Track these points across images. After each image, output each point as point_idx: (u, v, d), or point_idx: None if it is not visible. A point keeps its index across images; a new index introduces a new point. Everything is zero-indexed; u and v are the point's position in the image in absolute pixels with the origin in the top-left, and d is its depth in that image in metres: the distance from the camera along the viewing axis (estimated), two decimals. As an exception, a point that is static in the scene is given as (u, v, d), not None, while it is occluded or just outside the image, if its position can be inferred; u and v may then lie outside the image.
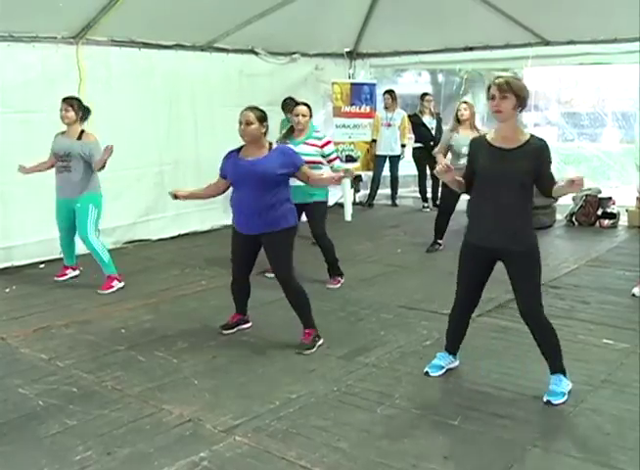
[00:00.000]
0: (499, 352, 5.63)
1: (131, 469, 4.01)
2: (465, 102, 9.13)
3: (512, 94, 4.52)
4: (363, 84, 13.27)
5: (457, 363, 5.35)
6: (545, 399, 4.72)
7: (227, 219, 10.83)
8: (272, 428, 4.45)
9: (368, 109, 12.94)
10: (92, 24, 8.83)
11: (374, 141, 12.72)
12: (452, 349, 5.31)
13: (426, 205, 12.79)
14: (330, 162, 7.68)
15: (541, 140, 4.71)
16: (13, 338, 6.21)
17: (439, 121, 12.65)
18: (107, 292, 7.57)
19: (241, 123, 5.69)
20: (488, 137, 4.78)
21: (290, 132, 7.71)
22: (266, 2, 10.15)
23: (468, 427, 4.44)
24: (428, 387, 5.06)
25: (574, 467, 3.97)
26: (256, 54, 11.45)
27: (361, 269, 8.29)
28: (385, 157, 12.82)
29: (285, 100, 10.33)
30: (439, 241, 9.46)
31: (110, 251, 7.88)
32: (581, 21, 10.20)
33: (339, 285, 7.73)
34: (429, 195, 12.87)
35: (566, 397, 4.73)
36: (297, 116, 7.61)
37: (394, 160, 12.85)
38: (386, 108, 12.67)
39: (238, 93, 10.99)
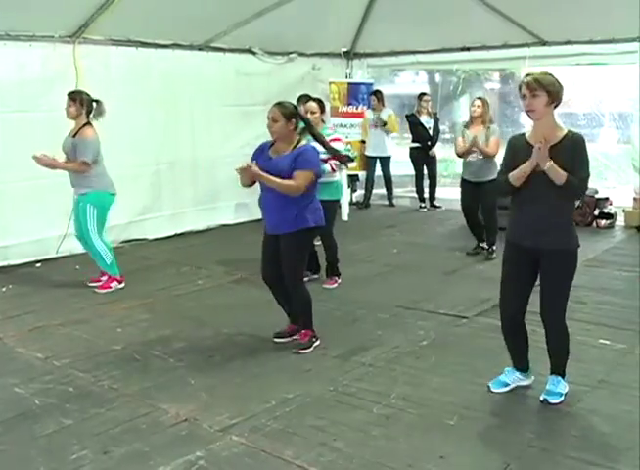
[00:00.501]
0: (496, 351, 5.61)
1: (127, 468, 4.00)
2: (479, 98, 9.01)
3: (543, 91, 4.41)
4: (360, 84, 13.24)
5: (528, 382, 5.02)
6: (542, 398, 4.71)
7: (224, 219, 10.96)
8: (268, 427, 4.44)
9: (365, 109, 12.93)
10: (89, 24, 8.83)
11: (363, 142, 12.65)
12: (519, 365, 5.02)
13: (423, 205, 12.78)
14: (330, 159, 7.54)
15: (577, 135, 4.56)
16: (9, 337, 6.20)
17: (437, 121, 12.64)
18: (103, 291, 7.55)
19: (268, 119, 5.59)
20: (527, 136, 4.66)
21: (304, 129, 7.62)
22: (263, 2, 10.16)
23: (464, 427, 4.44)
24: (424, 387, 5.05)
25: (571, 467, 3.97)
26: (254, 53, 11.44)
27: (358, 269, 8.28)
28: (375, 158, 12.78)
29: (300, 96, 10.25)
30: (481, 244, 9.16)
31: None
32: (579, 21, 10.20)
33: (335, 285, 7.74)
34: (426, 195, 12.86)
35: (563, 398, 4.72)
36: (307, 112, 7.55)
37: (385, 160, 12.79)
38: (373, 109, 12.59)
39: (235, 93, 11.01)
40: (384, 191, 13.38)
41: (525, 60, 11.58)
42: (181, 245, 9.96)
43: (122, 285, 7.71)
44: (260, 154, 5.70)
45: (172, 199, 10.36)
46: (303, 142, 5.69)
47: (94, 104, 7.45)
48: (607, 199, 10.98)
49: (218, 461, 4.05)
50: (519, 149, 4.63)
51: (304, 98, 8.47)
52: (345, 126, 12.63)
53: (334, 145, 7.47)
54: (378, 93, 12.60)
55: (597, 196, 10.92)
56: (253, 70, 11.36)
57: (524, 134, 4.73)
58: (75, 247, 7.94)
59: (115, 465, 4.03)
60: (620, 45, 10.57)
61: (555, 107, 4.53)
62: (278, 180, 5.45)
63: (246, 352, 5.78)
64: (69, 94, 7.40)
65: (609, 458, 4.03)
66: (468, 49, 12.08)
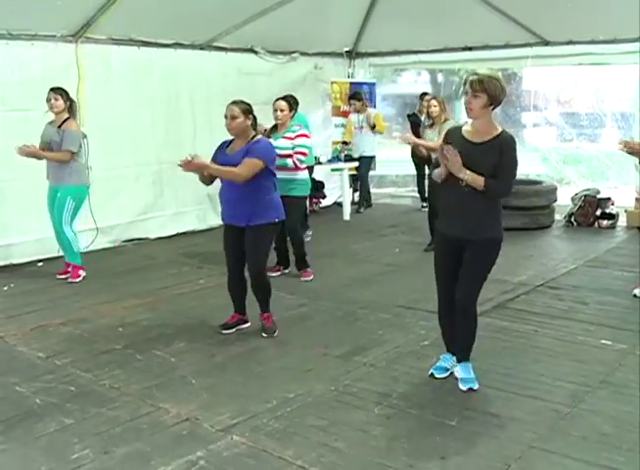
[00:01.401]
0: (497, 352, 5.62)
1: (128, 468, 4.00)
2: (434, 97, 9.12)
3: (484, 93, 4.54)
4: (362, 84, 13.26)
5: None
6: (465, 388, 4.90)
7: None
8: (269, 427, 4.44)
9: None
10: (91, 23, 8.84)
11: (345, 143, 12.46)
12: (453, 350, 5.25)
13: (425, 204, 12.74)
14: (295, 154, 7.63)
15: (507, 135, 4.70)
16: (10, 336, 6.21)
17: None
18: (77, 280, 7.82)
19: (226, 117, 5.81)
20: (464, 129, 4.81)
21: (275, 127, 7.82)
22: (266, 1, 10.16)
23: (465, 427, 4.44)
24: (425, 387, 5.06)
25: (572, 468, 3.97)
26: (255, 53, 11.45)
27: (359, 269, 8.28)
28: (360, 159, 12.65)
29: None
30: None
31: (107, 249, 7.88)
32: (581, 21, 10.21)
33: (311, 277, 7.93)
34: (427, 194, 12.81)
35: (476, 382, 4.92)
36: (276, 110, 7.69)
37: (365, 160, 12.45)
38: (357, 112, 12.37)
39: (236, 92, 10.80)
40: (384, 190, 13.33)
41: (527, 60, 11.61)
42: (183, 244, 9.96)
43: (84, 273, 7.93)
44: (219, 151, 6.00)
45: (174, 198, 10.36)
46: (259, 136, 5.93)
47: (72, 102, 7.74)
48: (609, 199, 10.97)
49: (219, 461, 4.05)
50: (453, 141, 4.76)
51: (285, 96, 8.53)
52: (346, 126, 12.62)
53: (300, 141, 7.61)
54: (357, 95, 12.31)
55: (599, 196, 10.91)
56: (255, 69, 11.36)
57: (461, 127, 4.88)
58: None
59: (116, 465, 4.03)
60: (622, 45, 10.57)
61: (493, 108, 4.67)
62: (222, 168, 5.74)
63: (247, 352, 5.78)
64: (55, 89, 7.62)
65: (609, 459, 4.02)
66: (470, 49, 12.09)
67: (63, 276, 7.98)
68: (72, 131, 7.54)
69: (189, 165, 5.66)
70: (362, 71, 13.76)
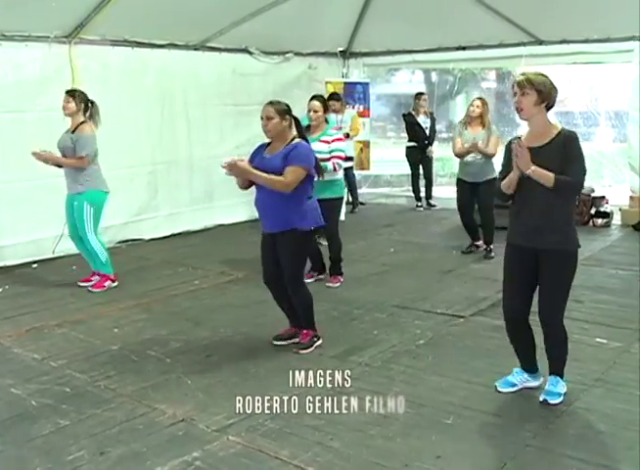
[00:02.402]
0: (493, 351, 5.62)
1: (124, 469, 3.99)
2: (479, 98, 8.98)
3: (533, 90, 4.41)
4: (356, 83, 13.27)
5: (536, 383, 4.95)
6: (542, 399, 4.70)
7: (221, 219, 10.95)
8: (265, 427, 4.44)
9: (361, 108, 12.93)
10: (85, 24, 8.83)
11: None
12: (526, 365, 4.98)
13: (419, 204, 12.78)
14: (330, 158, 7.45)
15: (569, 132, 4.53)
16: (5, 338, 6.20)
17: (433, 121, 12.62)
18: (98, 291, 7.56)
19: (262, 119, 5.54)
20: (522, 137, 4.64)
21: (308, 128, 7.50)
22: (259, 1, 10.17)
23: (461, 426, 4.44)
24: (421, 386, 5.05)
25: (568, 466, 3.97)
26: (250, 53, 11.46)
27: (355, 268, 8.27)
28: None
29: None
30: (476, 243, 9.19)
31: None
32: (574, 20, 10.23)
33: (338, 284, 7.74)
34: (422, 194, 12.83)
35: (562, 398, 4.70)
36: (309, 111, 7.55)
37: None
38: (334, 112, 12.22)
39: (231, 92, 11.02)
40: (379, 190, 13.32)
41: (521, 59, 11.61)
42: (178, 245, 9.96)
43: (116, 284, 7.71)
44: (256, 154, 5.68)
45: (169, 199, 10.36)
46: (297, 139, 5.61)
47: (89, 104, 7.45)
48: (603, 197, 11.01)
49: (215, 461, 4.05)
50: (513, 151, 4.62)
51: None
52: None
53: (336, 145, 7.49)
54: (336, 95, 12.09)
55: (593, 195, 10.94)
56: (250, 69, 11.37)
57: (519, 137, 4.68)
58: (72, 247, 7.91)
59: (112, 466, 4.02)
60: (616, 44, 10.60)
61: (547, 108, 4.51)
62: (265, 175, 5.39)
63: (242, 352, 5.77)
64: (68, 91, 7.44)
65: (605, 457, 4.04)
66: (464, 48, 12.12)
67: (85, 284, 7.76)
68: (86, 136, 7.29)
69: (234, 168, 5.37)
70: (356, 71, 13.77)
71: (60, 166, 7.43)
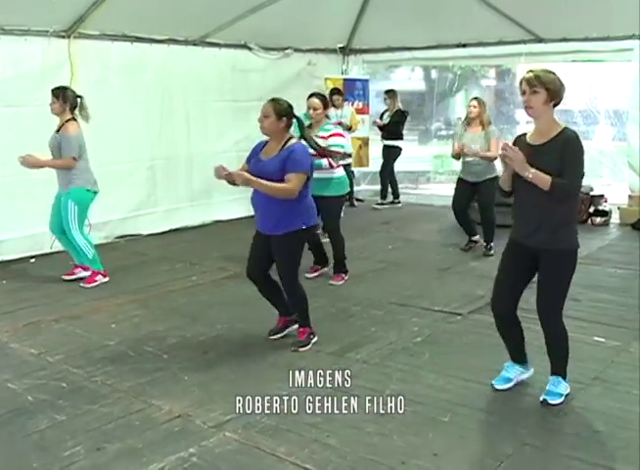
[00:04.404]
0: (490, 348, 5.60)
1: (120, 465, 3.99)
2: (475, 98, 8.99)
3: (542, 88, 4.35)
4: (356, 80, 13.25)
5: (528, 374, 5.02)
6: (542, 399, 4.69)
7: (219, 215, 10.94)
8: (262, 424, 4.43)
9: (361, 105, 12.92)
10: (84, 18, 8.81)
11: None
12: (516, 357, 5.01)
13: (380, 201, 12.64)
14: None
15: (570, 132, 4.48)
16: (2, 333, 6.19)
17: (400, 116, 12.49)
18: (90, 286, 7.56)
19: (261, 115, 5.48)
20: (528, 135, 4.62)
21: (309, 127, 7.49)
22: (259, -3, 10.15)
23: (458, 424, 4.44)
24: (418, 383, 5.05)
25: (564, 465, 3.97)
26: (249, 49, 11.44)
27: (352, 266, 8.25)
28: None
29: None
30: (474, 238, 9.22)
31: (99, 245, 7.85)
32: (574, 18, 10.21)
33: (342, 281, 7.74)
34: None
35: (563, 398, 4.69)
36: (309, 109, 7.55)
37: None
38: (334, 106, 12.16)
39: (230, 88, 11.01)
40: (376, 187, 13.27)
41: (520, 56, 11.62)
42: (175, 241, 9.95)
43: (107, 279, 7.70)
44: (253, 155, 5.64)
45: (167, 194, 10.34)
46: (293, 141, 5.55)
47: (78, 100, 7.46)
48: (602, 196, 11.00)
49: (212, 458, 4.05)
50: (519, 148, 4.60)
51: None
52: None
53: (333, 140, 7.45)
54: (337, 90, 11.98)
55: (592, 193, 10.93)
56: (249, 65, 11.35)
57: (525, 134, 4.68)
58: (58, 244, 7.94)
59: (109, 461, 4.02)
60: (616, 42, 10.59)
61: (554, 105, 4.47)
62: (270, 185, 5.32)
63: (239, 349, 5.77)
64: (53, 90, 7.42)
65: (602, 456, 4.04)
66: (464, 45, 12.10)
67: (69, 277, 7.80)
68: (68, 137, 7.29)
69: (238, 178, 5.30)
70: (356, 68, 13.75)
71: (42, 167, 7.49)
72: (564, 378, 4.77)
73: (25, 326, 6.36)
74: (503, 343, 4.99)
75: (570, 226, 4.61)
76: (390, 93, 12.50)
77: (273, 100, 5.52)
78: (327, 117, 7.73)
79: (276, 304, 5.99)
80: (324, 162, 7.29)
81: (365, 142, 13.15)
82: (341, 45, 13.24)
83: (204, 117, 10.78)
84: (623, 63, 11.15)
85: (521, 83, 4.49)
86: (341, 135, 7.62)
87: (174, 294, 7.36)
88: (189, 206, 10.62)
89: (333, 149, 7.42)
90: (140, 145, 9.93)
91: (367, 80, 13.43)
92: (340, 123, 11.72)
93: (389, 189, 12.75)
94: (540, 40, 11.32)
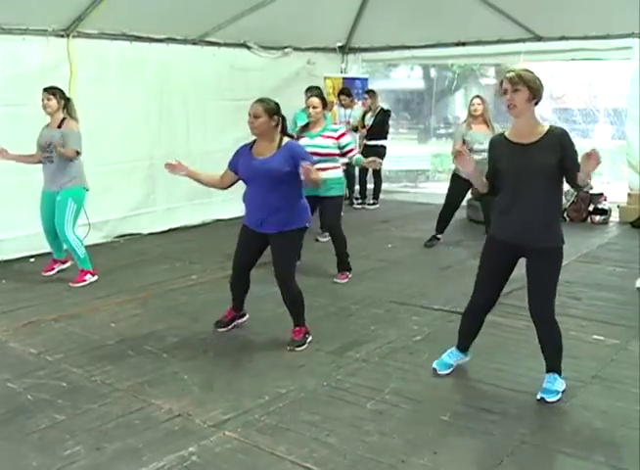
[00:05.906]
0: (490, 347, 5.61)
1: (120, 464, 3.99)
2: (477, 96, 9.03)
3: (524, 86, 4.42)
4: (355, 79, 13.25)
5: (467, 359, 5.26)
6: (539, 397, 4.70)
7: (219, 214, 10.93)
8: (262, 423, 4.44)
9: (360, 103, 12.90)
10: (83, 17, 8.80)
11: None
12: (464, 345, 5.22)
13: (361, 201, 12.62)
14: (347, 153, 7.58)
15: (560, 129, 4.58)
16: (2, 332, 6.18)
17: (383, 116, 12.39)
18: (79, 285, 7.57)
19: (250, 115, 5.49)
20: (507, 134, 4.68)
21: (307, 125, 7.68)
22: (258, -4, 10.15)
23: (458, 422, 4.44)
24: (418, 382, 5.05)
25: (564, 463, 3.98)
26: (248, 48, 11.42)
27: (352, 264, 8.24)
28: None
29: (308, 87, 10.00)
30: (439, 235, 9.43)
31: (99, 245, 7.85)
32: (574, 16, 10.21)
33: (346, 280, 7.74)
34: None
35: (560, 395, 4.70)
36: (309, 107, 7.57)
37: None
38: (342, 106, 12.05)
39: (229, 87, 10.99)
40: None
41: (520, 55, 11.60)
42: (175, 240, 9.95)
43: (96, 278, 7.70)
44: (241, 158, 5.66)
45: (167, 193, 10.33)
46: (287, 139, 5.62)
47: (68, 101, 7.55)
48: (601, 195, 11.00)
49: (211, 457, 4.04)
50: (499, 149, 4.69)
51: (315, 90, 8.48)
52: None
53: (346, 139, 7.54)
54: (347, 90, 12.10)
55: (591, 192, 10.92)
56: (248, 64, 11.34)
57: (503, 133, 4.76)
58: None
59: (108, 461, 4.02)
60: (615, 41, 10.60)
61: (535, 104, 4.54)
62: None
63: (239, 348, 5.78)
64: (47, 89, 7.43)
65: (601, 454, 4.03)
66: (463, 44, 12.10)
67: (49, 273, 7.90)
68: (75, 132, 7.37)
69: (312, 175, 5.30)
70: (355, 67, 13.75)
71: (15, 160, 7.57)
72: (559, 374, 4.78)
73: (25, 325, 6.35)
74: (458, 330, 5.24)
75: (558, 224, 4.70)
76: (371, 93, 12.43)
77: (261, 100, 5.56)
78: (324, 117, 7.74)
79: (240, 297, 6.13)
80: (359, 156, 7.62)
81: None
82: (340, 44, 13.24)
83: (203, 116, 10.78)
84: (623, 61, 11.15)
85: (501, 83, 4.57)
86: (347, 134, 7.75)
87: (174, 293, 7.36)
88: (189, 205, 10.60)
89: (351, 147, 7.61)
90: (139, 144, 9.93)
91: (366, 79, 13.43)
92: (348, 123, 11.83)
93: (369, 190, 12.72)
94: (539, 39, 11.32)
